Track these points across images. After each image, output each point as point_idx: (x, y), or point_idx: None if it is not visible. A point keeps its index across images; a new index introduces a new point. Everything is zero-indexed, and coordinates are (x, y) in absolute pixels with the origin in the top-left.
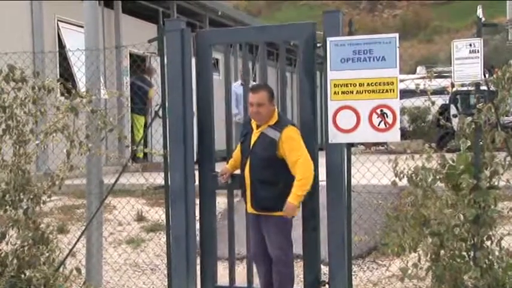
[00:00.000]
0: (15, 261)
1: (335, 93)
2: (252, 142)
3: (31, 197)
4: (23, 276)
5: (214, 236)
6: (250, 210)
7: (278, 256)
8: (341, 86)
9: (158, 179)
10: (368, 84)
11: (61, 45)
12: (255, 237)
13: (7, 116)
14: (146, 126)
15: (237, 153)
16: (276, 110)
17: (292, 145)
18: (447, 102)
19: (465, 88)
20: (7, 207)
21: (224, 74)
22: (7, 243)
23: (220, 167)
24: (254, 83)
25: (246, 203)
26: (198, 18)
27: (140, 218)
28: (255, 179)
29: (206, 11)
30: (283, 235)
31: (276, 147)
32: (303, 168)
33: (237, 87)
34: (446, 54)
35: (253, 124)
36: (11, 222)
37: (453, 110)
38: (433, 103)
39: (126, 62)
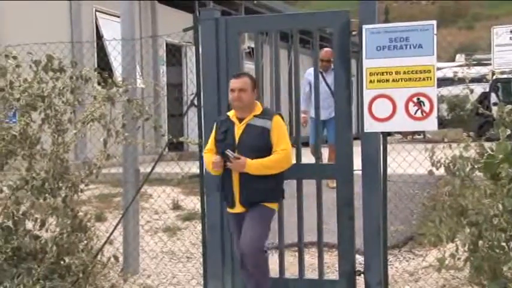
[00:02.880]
0: (54, 248)
1: (371, 81)
2: (238, 136)
3: (69, 185)
4: (62, 263)
5: None
6: (236, 209)
7: (256, 247)
8: (377, 75)
9: (193, 168)
10: (404, 73)
11: (99, 35)
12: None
13: (46, 105)
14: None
15: (212, 150)
16: (259, 101)
17: (281, 133)
18: (487, 90)
19: (506, 76)
20: (46, 195)
21: (254, 63)
22: (47, 231)
23: None
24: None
25: (230, 203)
26: (233, 7)
27: (176, 206)
28: (245, 173)
29: (241, 0)
30: (265, 225)
31: (268, 136)
32: (286, 159)
33: (311, 75)
34: (486, 42)
35: (234, 118)
36: (50, 210)
37: (493, 98)
38: (471, 91)
39: (162, 52)
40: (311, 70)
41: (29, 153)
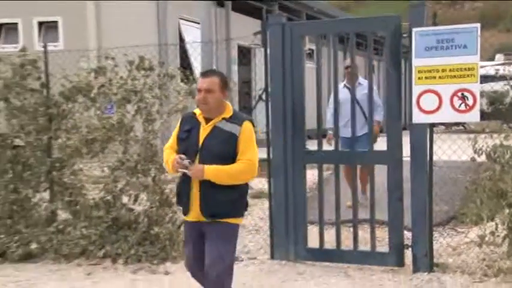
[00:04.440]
0: (145, 219)
1: (419, 78)
2: (202, 138)
3: (157, 167)
4: (152, 232)
5: (304, 203)
6: (191, 217)
7: (220, 274)
8: (425, 72)
9: (261, 153)
10: (450, 70)
11: (181, 39)
12: (195, 249)
13: (138, 99)
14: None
15: (173, 147)
16: (230, 104)
17: (249, 141)
18: None
19: None
20: (139, 174)
21: (316, 63)
22: (139, 205)
23: (311, 144)
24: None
25: (187, 210)
26: (296, 14)
27: None
28: (206, 181)
29: (303, 8)
30: (232, 247)
31: (236, 142)
32: (250, 170)
33: (341, 92)
34: None
35: (200, 118)
36: (142, 188)
37: None
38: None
39: (234, 53)
40: (340, 87)
41: (125, 139)
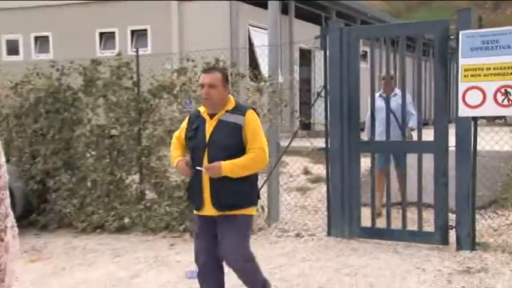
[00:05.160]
0: None
1: (465, 76)
2: (209, 133)
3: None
4: None
5: (358, 187)
6: (205, 212)
7: (241, 255)
8: (470, 70)
9: (320, 143)
10: (494, 68)
11: (250, 43)
12: (206, 244)
13: None
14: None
15: (177, 146)
16: (232, 97)
17: (255, 130)
18: None
19: None
20: None
21: (370, 64)
22: None
23: (363, 134)
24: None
25: (198, 205)
26: (352, 20)
27: (306, 172)
28: None
29: (358, 14)
30: (246, 237)
31: (241, 133)
32: (262, 158)
33: (376, 99)
34: None
35: (205, 114)
36: None
37: None
38: None
39: (296, 55)
40: (375, 95)
41: None
